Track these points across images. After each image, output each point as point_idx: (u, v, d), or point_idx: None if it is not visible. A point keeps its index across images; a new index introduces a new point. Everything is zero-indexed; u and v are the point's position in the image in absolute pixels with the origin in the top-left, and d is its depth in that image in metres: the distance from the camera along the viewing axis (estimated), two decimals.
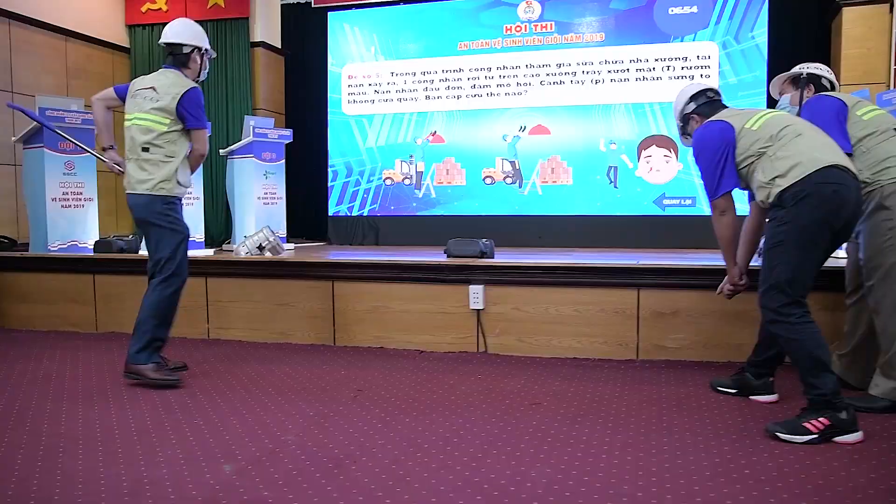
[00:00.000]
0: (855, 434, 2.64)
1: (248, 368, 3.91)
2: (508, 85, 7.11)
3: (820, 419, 2.64)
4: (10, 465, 2.50)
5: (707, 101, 3.16)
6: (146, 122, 3.55)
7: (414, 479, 2.34)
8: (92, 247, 5.42)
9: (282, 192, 6.62)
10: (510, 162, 7.12)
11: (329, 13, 7.63)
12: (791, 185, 2.69)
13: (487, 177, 7.19)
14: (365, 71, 7.53)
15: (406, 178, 7.41)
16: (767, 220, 2.87)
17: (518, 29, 7.10)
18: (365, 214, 7.52)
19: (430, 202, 7.34)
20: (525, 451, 2.60)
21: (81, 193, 5.53)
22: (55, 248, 5.35)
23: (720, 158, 2.92)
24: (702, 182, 3.09)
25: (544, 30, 7.04)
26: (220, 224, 7.52)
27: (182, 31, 3.69)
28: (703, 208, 6.66)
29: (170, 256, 3.55)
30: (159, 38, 7.72)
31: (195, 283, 4.70)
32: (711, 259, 4.13)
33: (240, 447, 2.66)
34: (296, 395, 3.38)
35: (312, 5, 7.92)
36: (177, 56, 3.68)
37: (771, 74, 6.36)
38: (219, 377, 3.69)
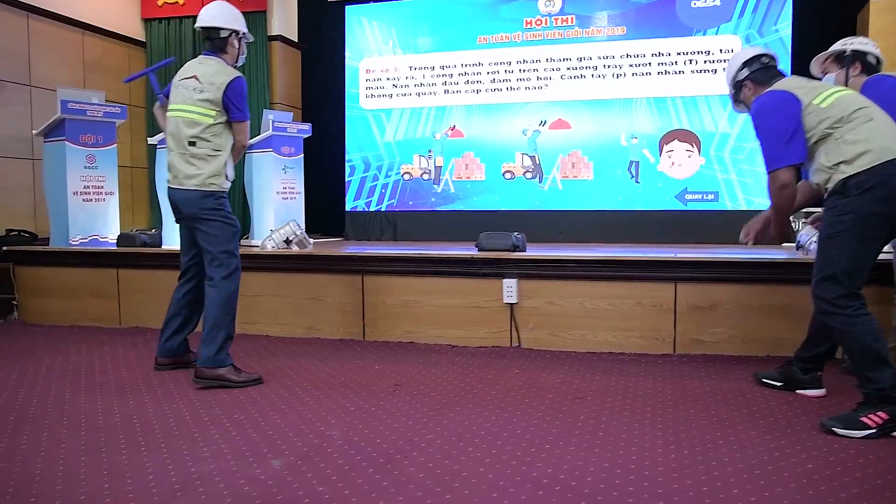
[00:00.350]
0: None
1: (279, 363, 3.86)
2: (528, 79, 7.05)
3: (878, 413, 2.58)
4: (53, 459, 2.45)
5: (762, 68, 3.00)
6: (192, 115, 3.41)
7: (469, 473, 2.29)
8: (113, 241, 5.37)
9: (300, 186, 6.56)
10: (530, 156, 7.06)
11: (346, 7, 7.57)
12: (857, 174, 2.60)
13: (507, 171, 7.13)
14: (383, 65, 7.48)
15: (424, 172, 7.35)
16: (826, 207, 2.78)
17: (538, 22, 7.04)
18: (383, 210, 7.47)
19: (449, 197, 7.29)
20: (578, 445, 2.55)
21: (102, 187, 5.48)
22: (76, 243, 5.30)
23: (784, 129, 2.75)
24: (761, 154, 2.90)
25: (565, 23, 6.98)
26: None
27: (218, 14, 3.54)
28: (726, 203, 6.60)
29: (228, 250, 3.44)
30: (176, 32, 7.78)
31: None
32: (741, 252, 4.09)
33: (285, 442, 2.61)
34: (333, 389, 3.32)
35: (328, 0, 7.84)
36: (214, 41, 3.52)
37: (795, 68, 6.31)
38: (252, 372, 3.64)
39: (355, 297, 4.38)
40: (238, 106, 3.44)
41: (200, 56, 3.58)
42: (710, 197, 6.64)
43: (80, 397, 3.24)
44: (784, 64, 6.39)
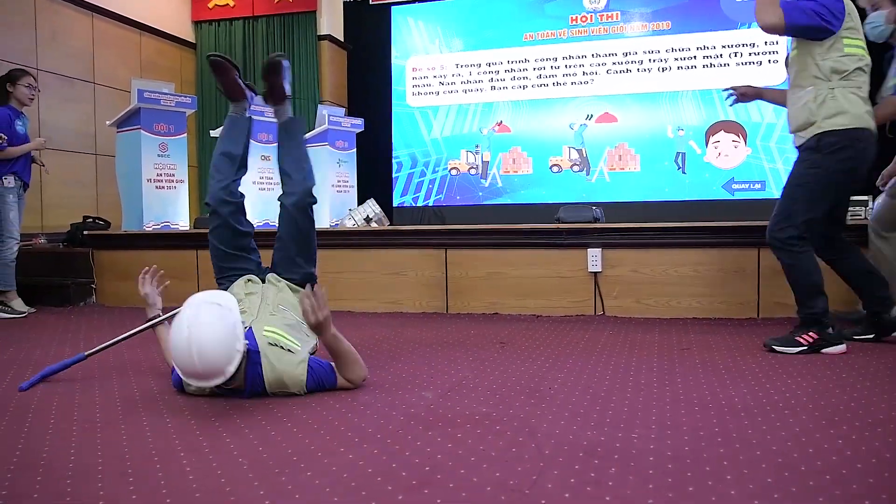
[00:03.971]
0: (839, 346, 3.04)
1: (375, 333, 3.91)
2: (574, 74, 7.22)
3: (809, 333, 3.04)
4: None
5: None
6: None
7: (619, 397, 2.38)
8: (184, 228, 5.49)
9: (353, 180, 6.68)
10: (577, 150, 7.20)
11: (392, 7, 7.76)
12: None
13: (554, 165, 7.27)
14: (429, 63, 7.65)
15: (472, 167, 7.49)
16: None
17: (584, 19, 7.22)
18: (430, 205, 7.60)
19: (497, 191, 7.42)
20: (708, 378, 2.65)
21: (174, 175, 5.61)
22: (150, 229, 5.42)
23: None
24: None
25: (610, 19, 7.16)
26: None
27: None
28: (773, 192, 6.73)
29: None
30: (226, 33, 7.96)
31: None
32: None
33: (424, 381, 2.69)
34: (442, 348, 3.41)
35: (370, 2, 8.03)
36: None
37: None
38: (357, 340, 3.71)
39: (439, 270, 4.49)
40: None
41: None
42: (757, 186, 6.78)
43: None
44: None
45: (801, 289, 3.11)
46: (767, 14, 3.00)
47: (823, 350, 3.03)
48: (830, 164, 3.00)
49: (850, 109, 2.98)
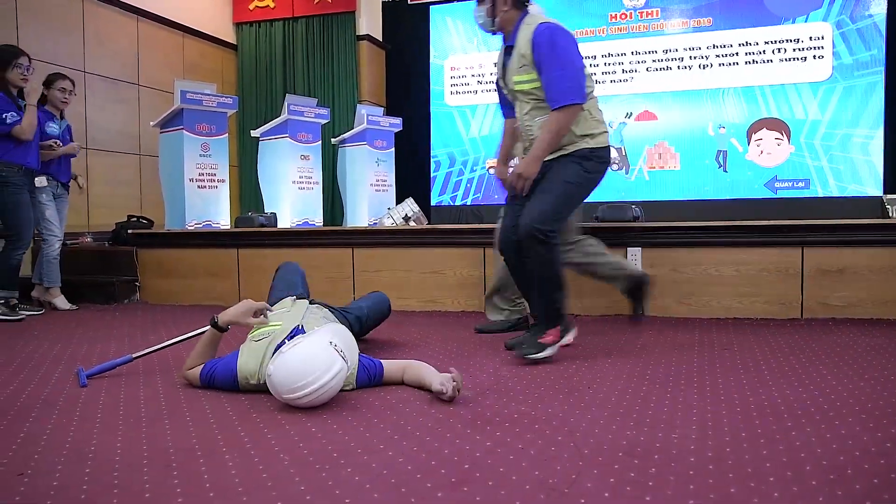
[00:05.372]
0: (572, 333, 3.27)
1: (413, 331, 3.94)
2: (614, 72, 7.15)
3: (552, 330, 3.03)
4: None
5: None
6: None
7: (659, 398, 2.36)
8: (225, 226, 5.57)
9: (391, 179, 6.73)
10: (616, 148, 7.14)
11: (431, 7, 7.78)
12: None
13: None
14: (468, 62, 7.65)
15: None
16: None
17: (623, 16, 7.15)
18: (468, 204, 7.60)
19: None
20: (750, 378, 2.61)
21: (215, 175, 5.71)
22: (192, 228, 5.51)
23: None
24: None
25: (650, 16, 7.08)
26: (325, 212, 7.65)
27: None
28: (818, 190, 6.61)
29: None
30: (266, 34, 8.06)
31: (341, 255, 4.81)
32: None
33: (464, 380, 2.68)
34: (480, 346, 3.41)
35: (409, 2, 8.06)
36: None
37: (890, 52, 6.32)
38: (395, 338, 3.75)
39: (477, 269, 4.49)
40: None
41: None
42: (801, 185, 6.66)
43: None
44: (878, 48, 6.40)
45: (550, 282, 3.09)
46: (568, 122, 3.05)
47: (562, 341, 3.11)
48: (595, 177, 3.16)
49: (605, 128, 3.23)
